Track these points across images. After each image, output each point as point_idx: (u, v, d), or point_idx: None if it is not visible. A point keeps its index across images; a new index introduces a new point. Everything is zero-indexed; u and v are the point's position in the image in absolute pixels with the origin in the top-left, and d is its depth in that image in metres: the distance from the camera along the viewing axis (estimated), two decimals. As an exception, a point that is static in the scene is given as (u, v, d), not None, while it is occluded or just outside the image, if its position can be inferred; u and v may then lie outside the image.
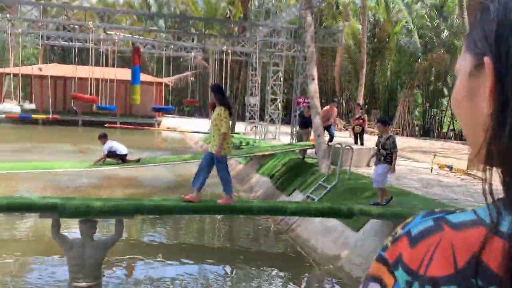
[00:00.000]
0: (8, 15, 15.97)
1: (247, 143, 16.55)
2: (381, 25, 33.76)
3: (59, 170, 10.29)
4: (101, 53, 19.96)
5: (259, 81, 23.70)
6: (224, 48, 21.92)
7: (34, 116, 25.29)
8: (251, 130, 23.27)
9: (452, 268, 0.51)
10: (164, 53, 23.59)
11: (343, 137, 18.06)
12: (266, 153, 13.29)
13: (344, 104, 38.00)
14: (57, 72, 32.93)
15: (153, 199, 6.11)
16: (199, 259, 7.22)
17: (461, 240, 0.53)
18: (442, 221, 0.56)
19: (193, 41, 26.21)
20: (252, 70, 23.52)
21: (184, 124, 32.00)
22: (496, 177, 0.52)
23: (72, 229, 7.43)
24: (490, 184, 0.52)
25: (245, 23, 22.89)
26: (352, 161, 9.84)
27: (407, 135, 29.77)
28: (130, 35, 23.13)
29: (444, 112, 35.02)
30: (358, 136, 12.80)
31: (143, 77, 27.41)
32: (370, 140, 14.50)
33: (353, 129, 12.99)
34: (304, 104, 15.68)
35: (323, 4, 26.41)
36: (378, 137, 6.78)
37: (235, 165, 15.76)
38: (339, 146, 9.61)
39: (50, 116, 20.41)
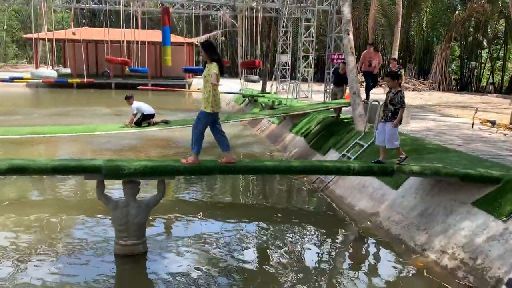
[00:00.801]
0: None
1: (280, 103, 16.40)
2: (417, -26, 31.95)
3: (96, 132, 10.56)
4: (131, 15, 19.88)
5: (290, 38, 23.14)
6: (254, 4, 21.38)
7: (69, 80, 25.80)
8: (282, 89, 22.99)
9: None
10: (193, 13, 23.27)
11: (379, 94, 17.61)
12: (300, 112, 13.14)
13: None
14: (88, 35, 33.21)
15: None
16: (236, 217, 7.34)
17: None
18: None
19: (221, -2, 25.64)
20: (282, 27, 22.96)
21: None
22: None
23: (111, 190, 7.68)
24: None
25: (275, -23, 22.13)
26: (389, 118, 9.57)
27: (443, 90, 28.74)
28: (158, -5, 22.84)
29: (483, 65, 33.44)
30: (395, 93, 12.42)
31: (173, 38, 27.27)
32: (408, 97, 14.05)
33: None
34: (338, 60, 15.28)
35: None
36: (387, 92, 6.50)
37: (268, 125, 15.73)
38: (376, 103, 9.36)
39: (85, 79, 20.77)
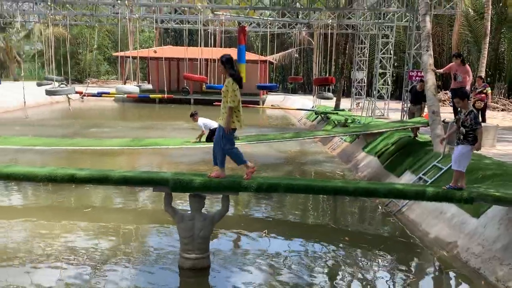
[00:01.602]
0: (126, 1, 17.18)
1: (353, 120, 15.99)
2: (508, -14, 29.80)
3: (163, 146, 11.06)
4: (209, 34, 20.66)
5: (367, 55, 22.62)
6: (330, 21, 21.24)
7: (151, 95, 27.31)
8: (357, 106, 22.46)
9: None
10: (269, 31, 23.65)
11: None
12: (375, 131, 12.69)
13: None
14: (170, 53, 35.19)
15: (258, 177, 6.14)
16: (302, 236, 7.19)
17: None
18: None
19: (297, 16, 25.85)
20: (359, 43, 22.52)
21: (288, 101, 32.04)
22: None
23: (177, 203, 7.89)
24: None
25: (352, -7, 21.88)
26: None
27: (538, 111, 26.26)
28: (236, 15, 23.55)
29: None
30: (480, 112, 11.51)
31: (248, 55, 27.87)
32: (495, 118, 13.01)
33: (473, 104, 11.63)
34: (417, 77, 14.60)
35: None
36: (458, 113, 6.00)
37: (340, 143, 15.37)
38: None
39: (166, 95, 21.83)
